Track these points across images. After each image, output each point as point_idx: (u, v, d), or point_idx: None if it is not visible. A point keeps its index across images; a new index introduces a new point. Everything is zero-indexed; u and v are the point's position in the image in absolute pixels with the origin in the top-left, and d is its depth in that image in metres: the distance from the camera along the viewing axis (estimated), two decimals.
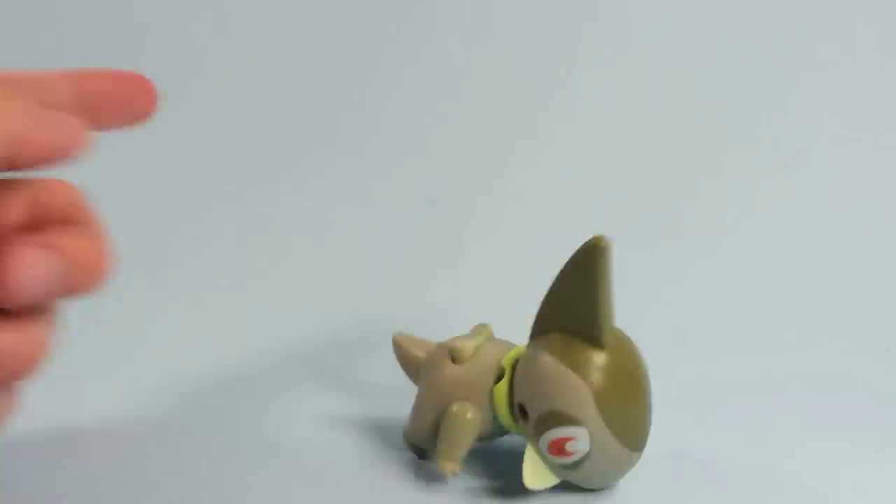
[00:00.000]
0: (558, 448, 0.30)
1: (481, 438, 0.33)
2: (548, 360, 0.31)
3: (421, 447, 0.34)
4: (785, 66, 0.54)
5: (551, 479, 0.31)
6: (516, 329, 0.42)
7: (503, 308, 0.44)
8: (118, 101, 0.31)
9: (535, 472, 0.31)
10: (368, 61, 0.55)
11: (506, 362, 0.33)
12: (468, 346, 0.33)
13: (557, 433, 0.30)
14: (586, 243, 0.32)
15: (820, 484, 0.33)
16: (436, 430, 0.32)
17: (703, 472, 0.33)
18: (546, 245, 0.49)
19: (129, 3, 0.56)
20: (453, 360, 0.33)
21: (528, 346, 0.32)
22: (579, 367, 0.31)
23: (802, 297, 0.45)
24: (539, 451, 0.31)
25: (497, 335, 0.36)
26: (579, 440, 0.30)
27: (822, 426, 0.36)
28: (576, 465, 0.31)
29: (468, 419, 0.32)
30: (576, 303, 0.31)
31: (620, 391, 0.31)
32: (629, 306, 0.44)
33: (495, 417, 0.32)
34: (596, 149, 0.53)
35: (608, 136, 0.53)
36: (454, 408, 0.32)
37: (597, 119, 0.54)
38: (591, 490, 0.32)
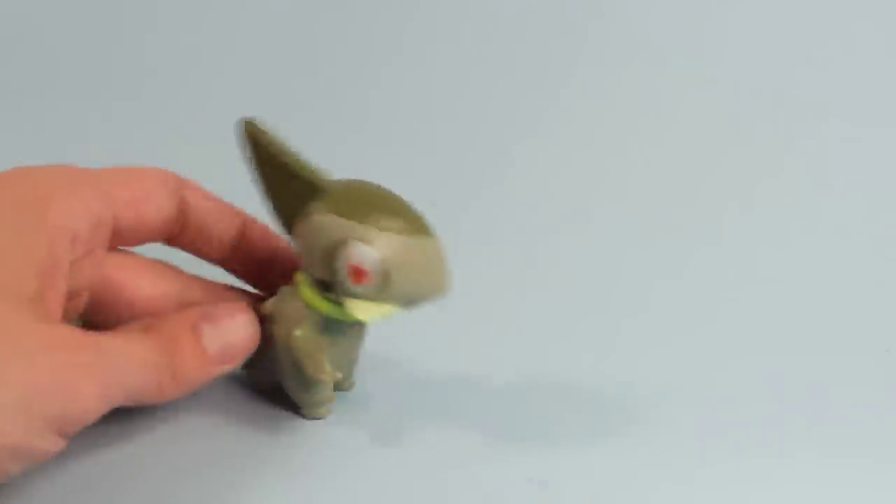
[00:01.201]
0: (356, 273, 0.32)
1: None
2: (299, 227, 0.33)
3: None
4: (785, 66, 0.54)
5: (370, 304, 0.32)
6: (516, 328, 0.42)
7: (504, 308, 0.44)
8: None
9: (354, 305, 0.32)
10: (368, 61, 0.55)
11: (297, 282, 0.34)
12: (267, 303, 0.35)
13: (345, 257, 0.32)
14: (241, 131, 0.34)
15: (820, 484, 0.33)
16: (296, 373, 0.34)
17: (700, 471, 0.34)
18: (547, 245, 0.49)
19: (129, 4, 0.56)
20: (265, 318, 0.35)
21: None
22: (320, 211, 0.32)
23: (802, 297, 0.45)
24: (352, 296, 0.32)
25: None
26: (366, 254, 0.31)
27: (822, 426, 0.36)
28: (386, 283, 0.32)
29: (299, 335, 0.33)
30: (282, 183, 0.33)
31: (368, 199, 0.33)
32: (629, 307, 0.45)
33: (322, 320, 0.33)
34: (597, 149, 0.53)
35: (609, 137, 0.54)
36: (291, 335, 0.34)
37: (598, 119, 0.54)
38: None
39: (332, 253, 0.32)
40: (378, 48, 0.55)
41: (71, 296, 0.32)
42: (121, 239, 0.34)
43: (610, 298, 0.45)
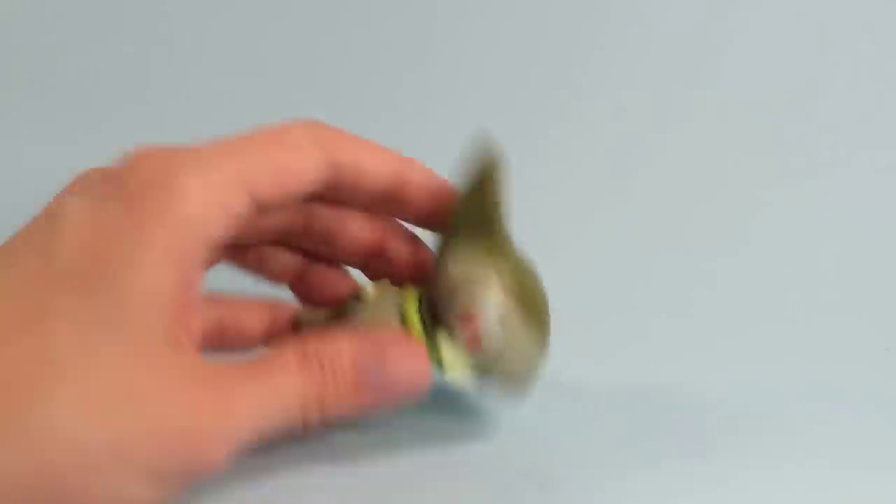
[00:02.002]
0: (468, 326, 0.31)
1: None
2: (453, 268, 0.32)
3: None
4: (791, 71, 0.54)
5: (466, 365, 0.32)
6: None
7: None
8: None
9: (451, 359, 0.32)
10: (368, 62, 0.55)
11: (406, 298, 0.33)
12: (369, 289, 0.34)
13: (463, 304, 0.31)
14: (481, 161, 0.32)
15: (820, 484, 0.33)
16: None
17: (700, 471, 0.34)
18: (549, 245, 0.49)
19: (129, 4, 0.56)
20: (358, 299, 0.34)
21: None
22: (485, 264, 0.32)
23: (802, 296, 0.45)
24: (452, 341, 0.31)
25: None
26: (486, 315, 0.31)
27: (822, 426, 0.36)
28: (487, 355, 0.31)
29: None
30: (478, 214, 0.32)
31: (523, 284, 0.32)
32: (629, 307, 0.45)
33: None
34: (603, 152, 0.53)
35: (615, 140, 0.54)
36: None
37: (604, 123, 0.54)
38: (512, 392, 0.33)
39: (457, 299, 0.31)
40: (378, 49, 0.55)
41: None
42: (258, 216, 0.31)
43: (610, 298, 0.45)
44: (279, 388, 0.28)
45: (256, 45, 0.56)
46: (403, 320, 0.32)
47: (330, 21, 0.55)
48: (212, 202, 0.28)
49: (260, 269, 0.35)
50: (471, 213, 0.32)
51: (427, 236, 0.34)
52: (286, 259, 0.35)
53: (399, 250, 0.34)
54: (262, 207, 0.29)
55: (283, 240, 0.34)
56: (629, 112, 0.54)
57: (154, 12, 0.56)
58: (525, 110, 0.55)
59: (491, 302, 0.31)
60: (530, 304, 0.32)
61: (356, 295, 0.34)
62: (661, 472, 0.33)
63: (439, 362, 0.32)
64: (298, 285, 0.36)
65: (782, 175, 0.52)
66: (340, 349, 0.30)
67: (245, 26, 0.56)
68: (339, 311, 0.34)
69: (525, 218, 0.50)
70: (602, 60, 0.55)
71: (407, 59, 0.55)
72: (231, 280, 0.36)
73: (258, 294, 0.36)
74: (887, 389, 0.39)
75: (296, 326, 0.34)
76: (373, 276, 0.35)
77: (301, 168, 0.30)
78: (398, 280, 0.35)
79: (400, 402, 0.31)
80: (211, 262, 0.32)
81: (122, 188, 0.27)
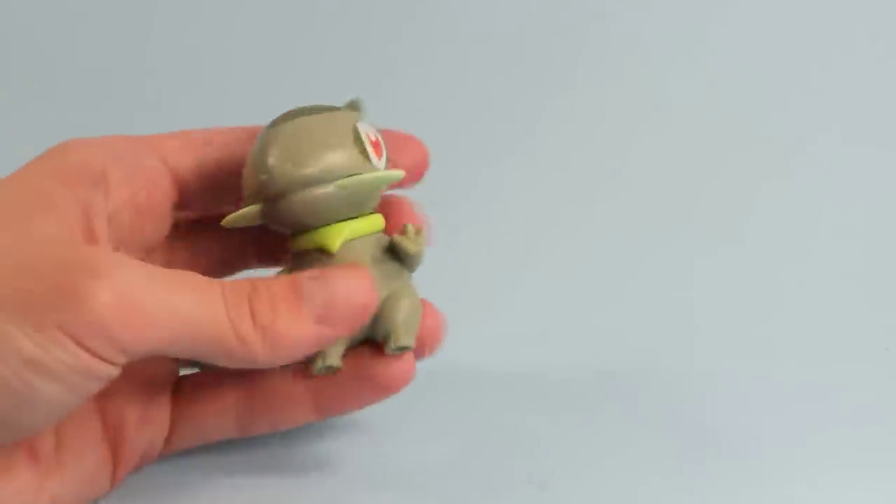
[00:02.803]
0: (376, 146, 0.30)
1: None
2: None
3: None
4: (785, 69, 0.54)
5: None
6: (517, 327, 0.42)
7: (504, 307, 0.44)
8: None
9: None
10: (368, 63, 0.55)
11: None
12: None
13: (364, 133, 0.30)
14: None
15: (820, 484, 0.33)
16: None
17: (699, 471, 0.34)
18: (550, 245, 0.49)
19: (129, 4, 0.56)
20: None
21: None
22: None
23: (802, 297, 0.45)
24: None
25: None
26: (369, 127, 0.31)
27: (822, 426, 0.36)
28: None
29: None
30: None
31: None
32: (629, 307, 0.45)
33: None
34: (597, 151, 0.53)
35: (610, 139, 0.54)
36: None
37: (599, 122, 0.54)
38: None
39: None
40: (378, 50, 0.55)
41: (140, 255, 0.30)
42: (193, 193, 0.32)
43: (610, 298, 0.45)
44: (201, 285, 0.27)
45: (256, 45, 0.56)
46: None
47: (330, 21, 0.55)
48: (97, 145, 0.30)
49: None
50: None
51: None
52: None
53: None
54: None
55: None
56: (627, 110, 0.54)
57: (154, 12, 0.56)
58: (524, 109, 0.55)
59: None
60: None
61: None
62: (660, 472, 0.33)
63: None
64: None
65: (782, 174, 0.52)
66: (277, 274, 0.30)
67: (245, 26, 0.56)
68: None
69: (524, 218, 0.50)
70: (599, 56, 0.55)
71: (404, 57, 0.55)
72: None
73: None
74: (887, 389, 0.39)
75: None
76: None
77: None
78: None
79: (346, 324, 0.29)
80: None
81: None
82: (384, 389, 0.31)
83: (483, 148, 0.52)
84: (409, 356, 0.31)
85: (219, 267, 0.35)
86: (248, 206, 0.30)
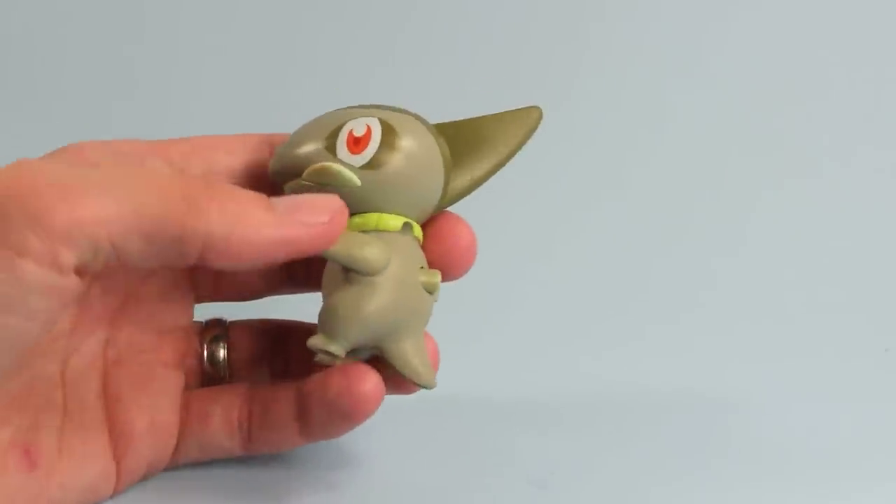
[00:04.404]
0: (354, 142, 0.29)
1: None
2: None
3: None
4: (791, 71, 0.54)
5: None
6: (517, 327, 0.42)
7: (505, 307, 0.44)
8: None
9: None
10: (368, 64, 0.55)
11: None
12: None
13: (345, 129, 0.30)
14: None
15: (820, 483, 0.33)
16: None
17: (699, 471, 0.34)
18: (550, 245, 0.49)
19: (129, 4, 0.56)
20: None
21: None
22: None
23: (802, 296, 0.45)
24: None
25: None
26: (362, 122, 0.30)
27: (822, 426, 0.36)
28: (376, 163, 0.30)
29: None
30: None
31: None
32: (628, 308, 0.45)
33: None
34: (602, 152, 0.53)
35: (614, 139, 0.54)
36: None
37: (602, 122, 0.54)
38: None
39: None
40: (378, 51, 0.55)
41: None
42: None
43: (610, 299, 0.45)
44: (144, 169, 0.27)
45: (255, 44, 0.56)
46: None
47: (329, 20, 0.55)
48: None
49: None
50: None
51: None
52: None
53: None
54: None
55: None
56: (628, 111, 0.54)
57: (154, 13, 0.56)
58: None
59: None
60: None
61: None
62: (660, 472, 0.33)
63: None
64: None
65: (782, 175, 0.52)
66: None
67: (244, 27, 0.56)
68: None
69: (524, 218, 0.50)
70: (601, 58, 0.55)
71: (403, 55, 0.55)
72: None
73: None
74: (887, 389, 0.39)
75: None
76: None
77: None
78: None
79: (314, 235, 0.27)
80: None
81: None
82: (346, 415, 0.29)
83: None
84: (370, 377, 0.29)
85: (247, 289, 0.34)
86: None
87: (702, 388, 0.39)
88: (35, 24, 0.56)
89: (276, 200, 0.27)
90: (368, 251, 0.29)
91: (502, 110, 0.35)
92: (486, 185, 0.34)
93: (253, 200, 0.27)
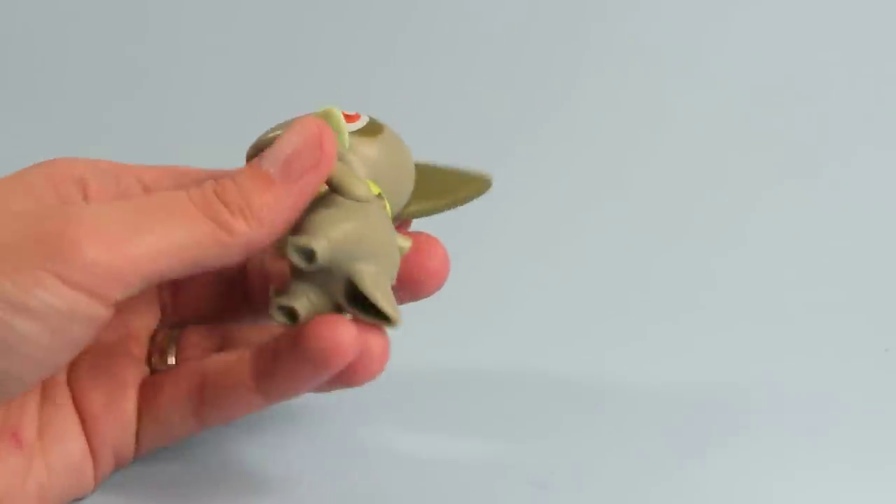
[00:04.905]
0: (346, 116, 0.30)
1: None
2: None
3: None
4: (791, 71, 0.54)
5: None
6: (517, 328, 0.42)
7: (505, 307, 0.44)
8: None
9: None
10: (368, 65, 0.55)
11: None
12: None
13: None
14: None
15: (820, 483, 0.33)
16: None
17: (699, 471, 0.34)
18: (551, 245, 0.49)
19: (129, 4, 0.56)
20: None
21: None
22: None
23: (802, 296, 0.45)
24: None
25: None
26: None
27: (822, 426, 0.36)
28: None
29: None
30: None
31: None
32: (628, 307, 0.45)
33: None
34: (602, 151, 0.53)
35: (614, 139, 0.54)
36: None
37: (602, 122, 0.54)
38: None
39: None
40: (379, 52, 0.55)
41: None
42: None
43: (610, 299, 0.45)
44: (169, 199, 0.28)
45: (255, 45, 0.56)
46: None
47: (329, 21, 0.55)
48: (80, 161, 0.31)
49: None
50: None
51: None
52: None
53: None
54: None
55: None
56: (628, 111, 0.54)
57: (155, 13, 0.56)
58: (524, 108, 0.55)
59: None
60: None
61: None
62: (661, 472, 0.33)
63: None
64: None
65: (782, 175, 0.52)
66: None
67: (244, 27, 0.56)
68: None
69: (524, 218, 0.50)
70: (601, 57, 0.55)
71: (403, 55, 0.55)
72: None
73: None
74: (887, 389, 0.39)
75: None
76: None
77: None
78: None
79: (309, 170, 0.28)
80: None
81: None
82: (320, 363, 0.29)
83: (484, 153, 0.52)
84: (347, 327, 0.28)
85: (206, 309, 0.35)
86: None
87: (702, 387, 0.39)
88: (35, 24, 0.56)
89: (264, 160, 0.28)
90: (358, 179, 0.29)
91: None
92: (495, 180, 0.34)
93: (251, 179, 0.28)
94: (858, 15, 0.54)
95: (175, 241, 0.27)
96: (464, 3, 0.55)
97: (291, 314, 0.29)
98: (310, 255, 0.28)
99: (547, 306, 0.44)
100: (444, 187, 0.33)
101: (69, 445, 0.30)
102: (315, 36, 0.55)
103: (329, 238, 0.28)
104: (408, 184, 0.32)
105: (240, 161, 0.32)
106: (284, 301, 0.29)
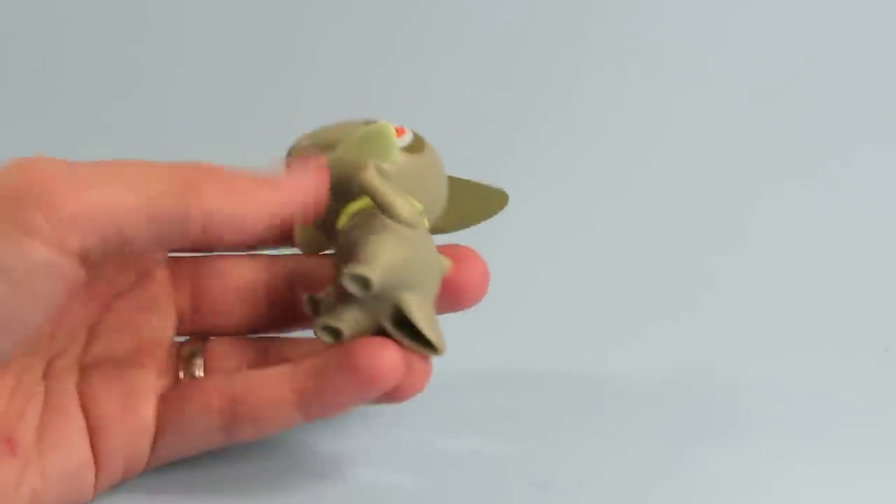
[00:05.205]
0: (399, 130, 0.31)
1: None
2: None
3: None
4: (791, 70, 0.54)
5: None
6: (518, 328, 0.42)
7: (505, 307, 0.44)
8: None
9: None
10: (368, 65, 0.55)
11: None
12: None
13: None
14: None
15: (820, 483, 0.33)
16: None
17: (700, 471, 0.34)
18: (551, 245, 0.49)
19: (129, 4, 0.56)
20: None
21: None
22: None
23: (802, 296, 0.45)
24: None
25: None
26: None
27: (822, 426, 0.36)
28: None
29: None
30: None
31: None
32: (629, 308, 0.45)
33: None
34: (602, 151, 0.53)
35: (614, 139, 0.54)
36: None
37: (603, 122, 0.54)
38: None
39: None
40: (379, 52, 0.55)
41: None
42: None
43: (610, 299, 0.45)
44: (144, 162, 0.28)
45: (256, 45, 0.56)
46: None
47: (329, 20, 0.55)
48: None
49: None
50: None
51: None
52: None
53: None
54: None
55: None
56: (628, 110, 0.54)
57: (156, 13, 0.56)
58: (524, 109, 0.55)
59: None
60: None
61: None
62: (661, 472, 0.33)
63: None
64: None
65: (782, 175, 0.52)
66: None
67: (245, 28, 0.56)
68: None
69: (524, 218, 0.50)
70: (601, 57, 0.55)
71: (403, 56, 0.55)
72: None
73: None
74: (887, 389, 0.39)
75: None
76: None
77: None
78: None
79: (300, 190, 0.29)
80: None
81: None
82: (367, 383, 0.29)
83: (484, 153, 0.52)
84: (394, 348, 0.29)
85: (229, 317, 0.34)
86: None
87: (702, 387, 0.39)
88: (36, 23, 0.56)
89: (263, 170, 0.29)
90: (408, 202, 0.30)
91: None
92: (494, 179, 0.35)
93: (246, 174, 0.29)
94: (858, 15, 0.54)
95: (140, 191, 0.27)
96: (464, 3, 0.55)
97: (335, 333, 0.29)
98: (365, 283, 0.28)
99: (547, 306, 0.44)
100: (470, 202, 0.34)
101: (68, 452, 0.30)
102: (315, 36, 0.55)
103: (383, 267, 0.29)
104: (444, 199, 0.33)
105: (239, 161, 0.32)
106: (332, 322, 0.29)
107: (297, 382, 0.30)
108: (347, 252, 0.29)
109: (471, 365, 0.39)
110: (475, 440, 0.35)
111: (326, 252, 0.33)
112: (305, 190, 0.29)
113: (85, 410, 0.31)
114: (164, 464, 0.32)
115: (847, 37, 0.54)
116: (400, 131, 0.32)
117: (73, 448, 0.30)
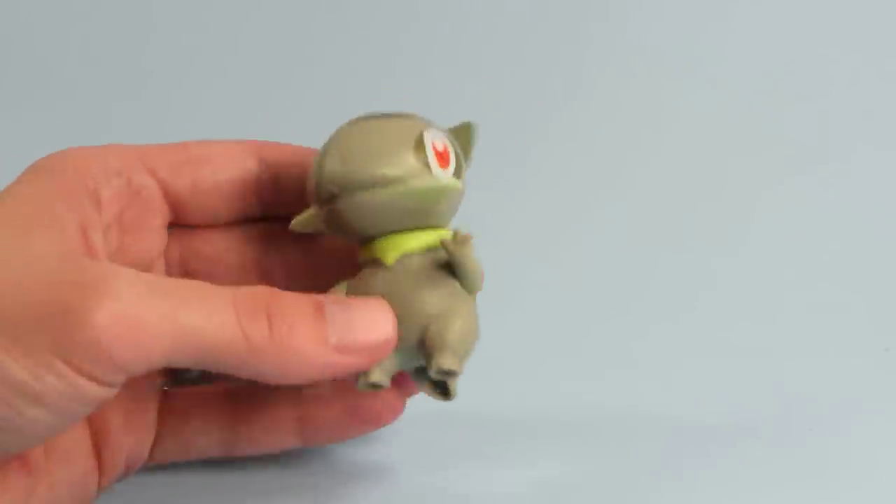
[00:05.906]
0: (440, 156, 0.29)
1: None
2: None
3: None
4: (791, 71, 0.54)
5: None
6: (518, 330, 0.42)
7: (506, 309, 0.44)
8: None
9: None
10: (368, 65, 0.55)
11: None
12: None
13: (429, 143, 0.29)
14: None
15: (819, 483, 0.33)
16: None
17: (700, 472, 0.34)
18: (552, 247, 0.49)
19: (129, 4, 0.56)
20: None
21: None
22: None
23: (802, 296, 0.45)
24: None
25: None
26: (438, 135, 0.30)
27: (822, 426, 0.36)
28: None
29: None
30: None
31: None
32: (629, 311, 0.45)
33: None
34: (602, 152, 0.53)
35: (614, 140, 0.54)
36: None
37: (602, 123, 0.54)
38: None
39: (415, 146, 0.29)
40: (380, 52, 0.55)
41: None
42: (189, 211, 0.31)
43: (611, 301, 0.45)
44: (208, 293, 0.26)
45: (258, 45, 0.56)
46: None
47: (331, 20, 0.55)
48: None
49: None
50: None
51: None
52: None
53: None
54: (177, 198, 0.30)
55: None
56: (628, 111, 0.54)
57: (158, 13, 0.56)
58: (524, 109, 0.55)
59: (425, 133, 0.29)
60: None
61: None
62: (661, 473, 0.33)
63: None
64: None
65: (783, 174, 0.52)
66: (299, 295, 0.27)
67: (246, 28, 0.56)
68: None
69: (525, 218, 0.51)
70: (603, 58, 0.55)
71: (404, 56, 0.55)
72: None
73: None
74: (887, 389, 0.39)
75: None
76: None
77: (219, 158, 0.31)
78: None
79: (363, 356, 0.27)
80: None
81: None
82: (368, 423, 0.31)
83: (485, 153, 0.52)
84: (397, 390, 0.31)
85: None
86: (308, 209, 0.30)
87: (702, 388, 0.39)
88: (36, 23, 0.56)
89: (331, 314, 0.27)
90: (480, 267, 0.29)
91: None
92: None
93: (310, 319, 0.27)
94: (858, 14, 0.54)
95: (196, 339, 0.25)
96: (464, 3, 0.55)
97: (377, 386, 0.29)
98: (449, 373, 0.28)
99: (547, 307, 0.45)
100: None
101: (75, 464, 0.30)
102: (318, 36, 0.55)
103: (467, 355, 0.29)
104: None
105: None
106: (376, 380, 0.28)
107: (298, 409, 0.31)
108: (403, 301, 0.28)
109: (471, 365, 0.39)
110: (475, 439, 0.35)
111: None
112: (371, 360, 0.28)
113: (88, 420, 0.30)
114: (161, 462, 0.32)
115: (847, 36, 0.54)
116: (444, 157, 0.29)
117: (79, 459, 0.30)
